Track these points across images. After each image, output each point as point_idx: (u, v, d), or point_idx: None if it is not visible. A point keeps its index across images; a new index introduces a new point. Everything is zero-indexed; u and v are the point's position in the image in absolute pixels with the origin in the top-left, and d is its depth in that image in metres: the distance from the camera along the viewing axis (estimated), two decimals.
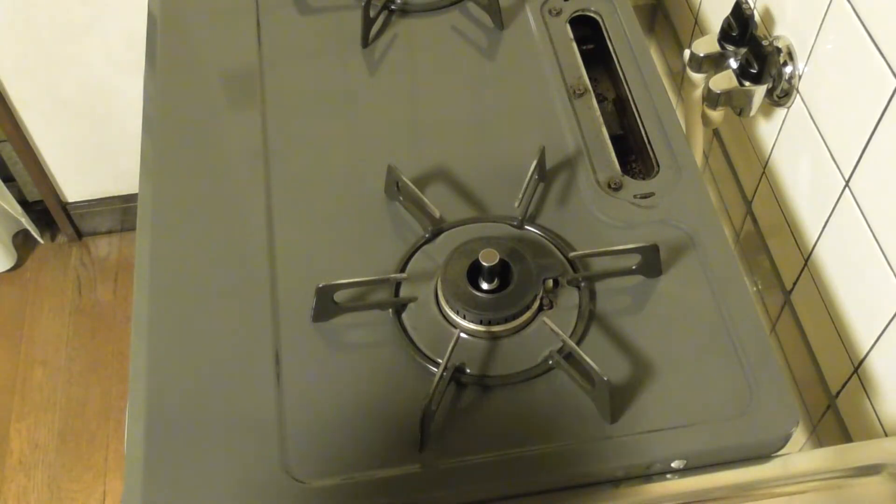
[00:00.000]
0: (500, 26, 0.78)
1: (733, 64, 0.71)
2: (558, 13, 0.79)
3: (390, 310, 0.60)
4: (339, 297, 0.59)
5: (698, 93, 0.78)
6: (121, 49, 1.23)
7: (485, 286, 0.60)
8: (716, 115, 0.82)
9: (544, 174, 0.67)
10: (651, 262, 0.61)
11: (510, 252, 0.60)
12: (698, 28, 0.86)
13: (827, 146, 0.64)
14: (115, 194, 1.46)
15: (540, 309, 0.59)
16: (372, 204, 0.66)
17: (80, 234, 1.50)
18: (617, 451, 0.54)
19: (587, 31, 0.79)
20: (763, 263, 0.77)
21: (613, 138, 0.71)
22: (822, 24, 0.62)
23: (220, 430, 0.56)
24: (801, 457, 0.56)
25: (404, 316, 0.60)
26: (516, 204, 0.64)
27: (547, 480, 0.54)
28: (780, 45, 0.68)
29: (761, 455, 0.55)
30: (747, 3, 0.71)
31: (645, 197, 0.66)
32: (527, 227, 0.64)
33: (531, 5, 0.80)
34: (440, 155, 0.70)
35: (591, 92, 0.73)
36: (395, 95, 0.75)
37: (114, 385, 1.35)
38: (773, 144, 0.72)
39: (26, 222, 1.43)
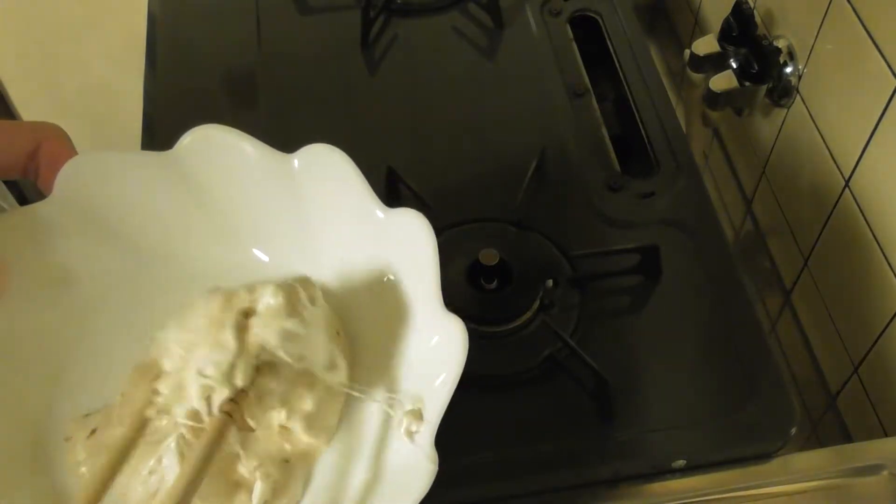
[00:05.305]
0: (500, 26, 0.78)
1: (733, 64, 0.71)
2: (558, 13, 0.79)
3: None
4: None
5: (698, 93, 0.78)
6: (121, 49, 1.23)
7: (485, 286, 0.60)
8: (716, 115, 0.82)
9: (544, 174, 0.67)
10: (651, 262, 0.61)
11: (510, 252, 0.60)
12: (698, 28, 0.85)
13: (827, 146, 0.64)
14: None
15: (540, 309, 0.59)
16: None
17: None
18: (617, 451, 0.54)
19: (587, 31, 0.79)
20: (763, 263, 0.77)
21: (613, 138, 0.71)
22: (822, 24, 0.62)
23: None
24: (801, 457, 0.56)
25: None
26: (516, 204, 0.64)
27: (547, 480, 0.54)
28: (780, 45, 0.68)
29: (761, 455, 0.55)
30: (747, 3, 0.71)
31: (645, 196, 0.66)
32: (527, 227, 0.64)
33: (531, 5, 0.80)
34: (440, 155, 0.70)
35: (591, 92, 0.73)
36: (395, 95, 0.74)
37: None
38: (773, 144, 0.72)
39: None
